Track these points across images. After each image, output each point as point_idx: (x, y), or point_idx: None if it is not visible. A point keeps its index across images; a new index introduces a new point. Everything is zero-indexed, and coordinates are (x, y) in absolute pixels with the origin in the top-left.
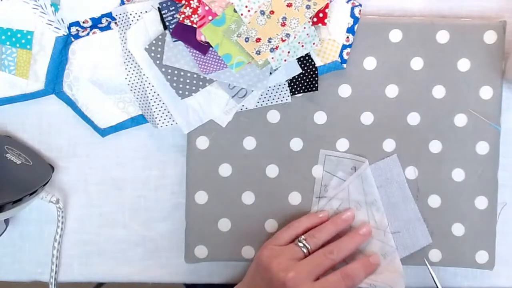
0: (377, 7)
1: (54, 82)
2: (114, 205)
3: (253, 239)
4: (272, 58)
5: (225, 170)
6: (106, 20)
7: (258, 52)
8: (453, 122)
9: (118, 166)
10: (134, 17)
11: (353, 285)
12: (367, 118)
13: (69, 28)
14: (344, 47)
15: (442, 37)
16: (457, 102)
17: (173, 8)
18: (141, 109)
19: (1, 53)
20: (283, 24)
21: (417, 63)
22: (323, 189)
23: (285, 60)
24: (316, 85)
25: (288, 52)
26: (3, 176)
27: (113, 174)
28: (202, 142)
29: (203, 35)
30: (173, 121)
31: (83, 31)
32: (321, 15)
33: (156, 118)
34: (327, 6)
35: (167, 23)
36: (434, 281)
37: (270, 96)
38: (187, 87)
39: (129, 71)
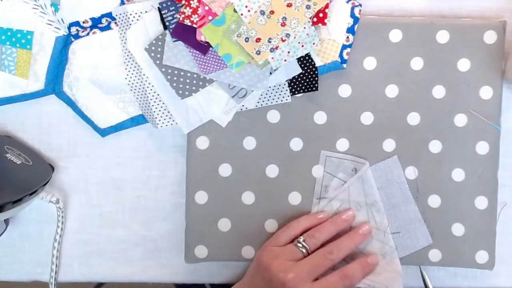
0: (377, 7)
1: (54, 82)
2: (114, 205)
3: (253, 239)
4: (272, 58)
5: (225, 170)
6: (106, 20)
7: (258, 52)
8: (453, 122)
9: (118, 166)
10: (134, 17)
11: (351, 285)
12: (367, 118)
13: (69, 28)
14: (344, 47)
15: (442, 37)
16: (457, 102)
17: (173, 8)
18: (141, 109)
19: (1, 53)
20: (283, 24)
21: (417, 63)
22: (323, 190)
23: (285, 60)
24: (316, 85)
25: (288, 52)
26: (3, 176)
27: (113, 174)
28: (202, 142)
29: (203, 35)
30: (173, 121)
31: (83, 31)
32: (321, 15)
33: (156, 118)
34: (327, 6)
35: (167, 23)
36: (425, 283)
37: (270, 96)
38: (187, 87)
39: (129, 71)
